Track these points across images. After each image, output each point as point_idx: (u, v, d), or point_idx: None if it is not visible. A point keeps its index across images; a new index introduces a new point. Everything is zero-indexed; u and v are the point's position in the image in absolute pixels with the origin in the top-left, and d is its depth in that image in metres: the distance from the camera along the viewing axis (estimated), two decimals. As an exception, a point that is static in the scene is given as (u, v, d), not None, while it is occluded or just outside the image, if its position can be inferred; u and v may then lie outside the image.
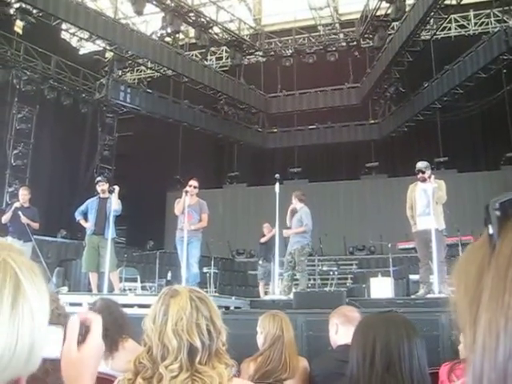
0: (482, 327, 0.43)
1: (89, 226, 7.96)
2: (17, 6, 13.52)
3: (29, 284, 0.68)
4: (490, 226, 0.45)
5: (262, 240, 11.08)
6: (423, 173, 7.07)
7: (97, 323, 1.09)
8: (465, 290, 0.47)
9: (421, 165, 7.20)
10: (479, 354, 0.43)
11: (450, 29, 17.21)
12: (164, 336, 1.52)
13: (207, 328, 1.54)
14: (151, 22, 17.65)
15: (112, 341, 3.17)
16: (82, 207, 8.17)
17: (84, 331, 1.07)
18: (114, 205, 7.74)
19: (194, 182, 7.93)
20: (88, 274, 8.18)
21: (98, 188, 8.17)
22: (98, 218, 7.90)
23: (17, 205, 8.62)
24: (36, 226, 8.59)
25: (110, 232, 7.64)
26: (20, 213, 8.36)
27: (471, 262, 0.48)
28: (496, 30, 14.51)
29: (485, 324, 0.43)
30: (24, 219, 8.29)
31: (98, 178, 8.58)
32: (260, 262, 11.43)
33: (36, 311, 0.68)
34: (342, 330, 3.01)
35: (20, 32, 15.09)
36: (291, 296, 7.07)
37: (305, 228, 7.90)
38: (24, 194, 8.80)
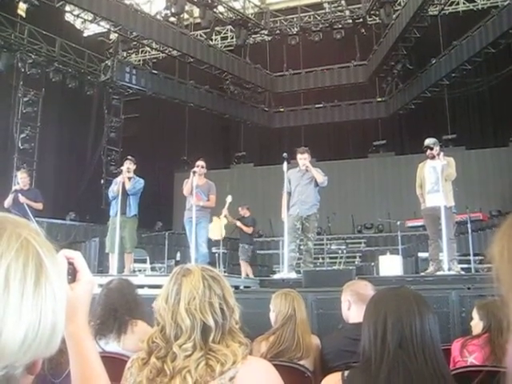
0: None
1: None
2: (19, -12, 13.43)
3: (50, 263, 0.67)
4: None
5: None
6: (431, 149, 7.01)
7: (79, 259, 1.07)
8: (509, 256, 0.46)
9: (429, 141, 7.13)
10: None
11: (458, 3, 16.93)
12: (177, 315, 1.52)
13: (220, 307, 1.54)
14: (155, 2, 17.49)
15: (121, 322, 3.18)
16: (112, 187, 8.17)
17: (71, 270, 1.05)
18: (126, 185, 7.81)
19: (201, 162, 8.00)
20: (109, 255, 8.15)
21: (124, 166, 8.10)
22: (120, 197, 7.90)
23: (17, 187, 8.48)
24: (39, 206, 8.38)
25: (119, 211, 7.67)
26: (19, 194, 8.22)
27: None
28: (506, 3, 14.26)
29: None
30: (22, 199, 8.12)
31: (128, 157, 8.46)
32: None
33: (57, 291, 0.68)
34: (354, 308, 2.98)
35: (23, 15, 14.95)
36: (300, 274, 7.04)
37: (326, 178, 7.67)
38: (23, 177, 8.60)
